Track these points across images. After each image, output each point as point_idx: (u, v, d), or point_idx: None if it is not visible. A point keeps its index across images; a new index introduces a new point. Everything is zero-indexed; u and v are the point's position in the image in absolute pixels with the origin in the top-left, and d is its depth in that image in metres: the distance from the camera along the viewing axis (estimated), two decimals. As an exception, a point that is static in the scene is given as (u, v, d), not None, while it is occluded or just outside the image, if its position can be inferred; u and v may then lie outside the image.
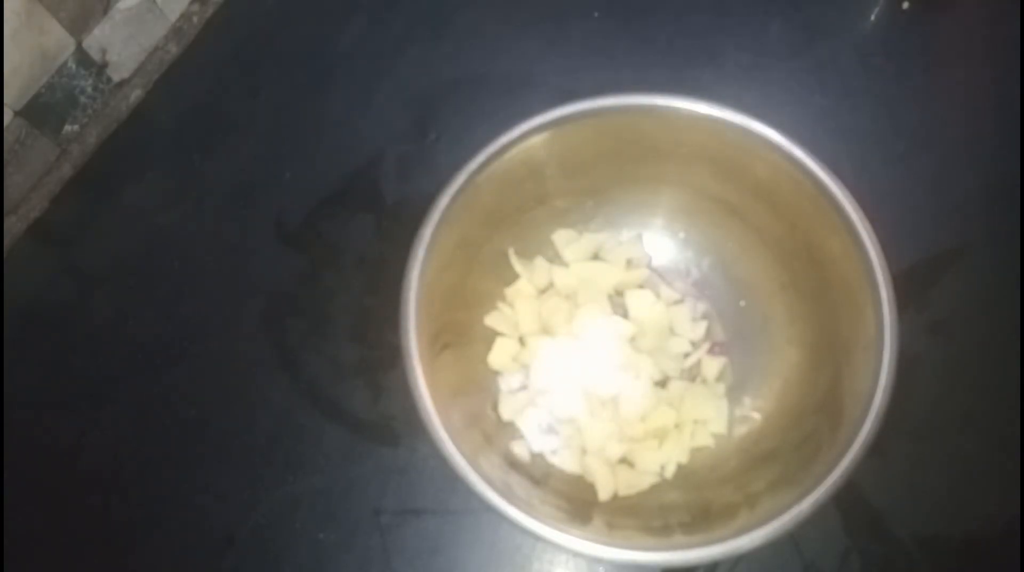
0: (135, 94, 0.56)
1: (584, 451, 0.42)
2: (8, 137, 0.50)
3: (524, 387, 0.44)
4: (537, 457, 0.43)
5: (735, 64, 0.55)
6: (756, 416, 0.43)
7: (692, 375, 0.45)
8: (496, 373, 0.45)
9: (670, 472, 0.42)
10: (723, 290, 0.46)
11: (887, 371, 0.35)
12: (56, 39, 0.50)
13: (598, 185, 0.45)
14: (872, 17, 0.56)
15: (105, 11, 0.53)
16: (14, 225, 0.53)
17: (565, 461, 0.42)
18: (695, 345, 0.45)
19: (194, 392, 0.48)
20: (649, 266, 0.47)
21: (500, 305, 0.45)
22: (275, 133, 0.54)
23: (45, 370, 0.49)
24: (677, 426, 0.43)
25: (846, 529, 0.42)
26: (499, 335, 0.45)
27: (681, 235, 0.47)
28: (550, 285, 0.46)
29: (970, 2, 0.56)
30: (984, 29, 0.55)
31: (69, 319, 0.50)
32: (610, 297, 0.46)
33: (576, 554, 0.40)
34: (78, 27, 0.51)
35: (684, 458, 0.43)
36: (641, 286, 0.46)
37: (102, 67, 0.54)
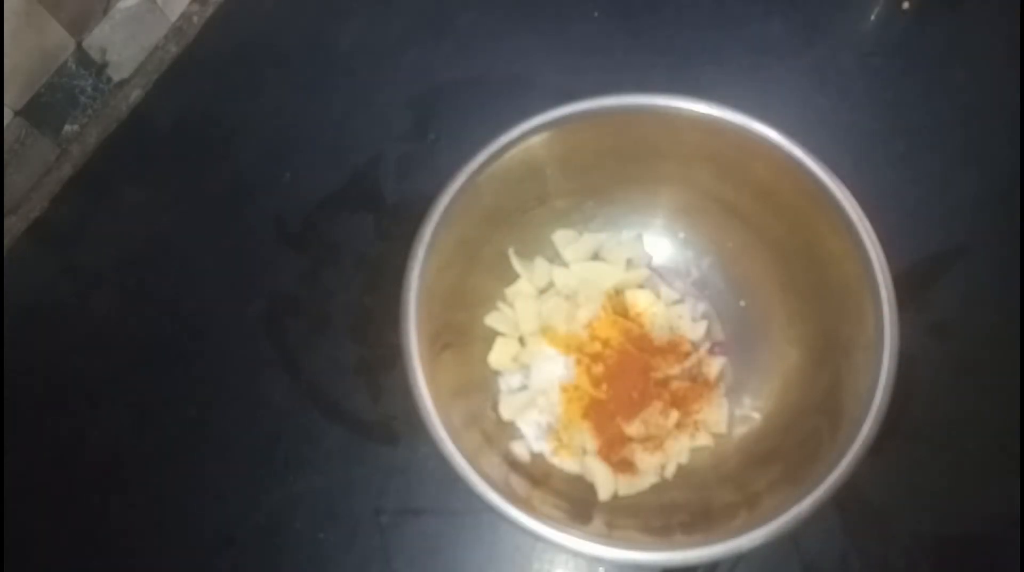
0: (135, 94, 0.56)
1: (584, 451, 0.43)
2: (8, 137, 0.50)
3: (524, 387, 0.44)
4: (537, 457, 0.43)
5: (735, 64, 0.55)
6: (756, 416, 0.43)
7: (692, 375, 0.45)
8: (496, 373, 0.45)
9: (670, 472, 0.42)
10: (723, 290, 0.46)
11: (887, 371, 0.35)
12: (56, 39, 0.50)
13: (598, 185, 0.45)
14: (872, 17, 0.56)
15: (105, 11, 0.53)
16: (14, 225, 0.53)
17: (565, 461, 0.42)
18: (695, 345, 0.45)
19: (194, 392, 0.48)
20: (649, 266, 0.47)
21: (500, 305, 0.45)
22: (275, 133, 0.54)
23: (45, 370, 0.49)
24: (677, 426, 0.43)
25: (846, 529, 0.42)
26: (499, 335, 0.45)
27: (681, 235, 0.47)
28: (550, 285, 0.46)
29: (970, 2, 0.56)
30: (984, 29, 0.55)
31: (69, 319, 0.50)
32: (610, 297, 0.46)
33: (576, 554, 0.40)
34: (78, 27, 0.51)
35: (684, 458, 0.43)
36: (641, 286, 0.46)
37: (102, 67, 0.54)
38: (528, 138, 0.40)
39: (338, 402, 0.47)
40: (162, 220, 0.52)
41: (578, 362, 0.44)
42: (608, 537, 0.35)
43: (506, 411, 0.43)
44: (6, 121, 0.49)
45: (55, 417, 0.47)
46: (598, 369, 0.44)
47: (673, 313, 0.46)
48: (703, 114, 0.39)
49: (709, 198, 0.44)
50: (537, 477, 0.41)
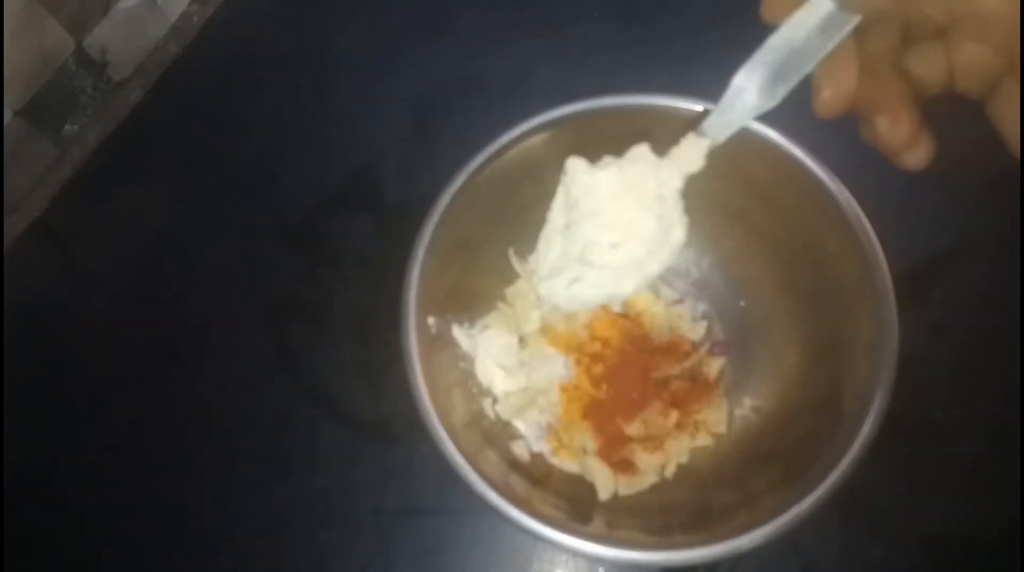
0: (135, 94, 0.56)
1: (584, 451, 0.43)
2: (8, 137, 0.50)
3: (524, 387, 0.44)
4: (537, 457, 0.43)
5: (735, 64, 0.55)
6: (756, 416, 0.43)
7: (692, 375, 0.45)
8: (497, 372, 0.45)
9: (670, 472, 0.42)
10: (723, 290, 0.46)
11: (887, 371, 0.35)
12: (56, 39, 0.50)
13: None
14: (872, 17, 0.56)
15: (105, 11, 0.53)
16: (14, 225, 0.53)
17: (565, 461, 0.42)
18: (695, 345, 0.45)
19: (194, 392, 0.48)
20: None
21: (500, 305, 0.45)
22: (275, 133, 0.54)
23: (45, 370, 0.49)
24: (677, 426, 0.43)
25: (846, 529, 0.42)
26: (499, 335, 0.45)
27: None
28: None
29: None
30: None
31: (69, 319, 0.50)
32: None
33: (576, 554, 0.40)
34: (78, 27, 0.51)
35: (684, 458, 0.43)
36: (641, 286, 0.46)
37: (102, 67, 0.54)
38: (528, 138, 0.40)
39: (338, 402, 0.47)
40: (162, 220, 0.52)
41: (578, 362, 0.44)
42: (608, 537, 0.35)
43: (506, 411, 0.43)
44: (6, 121, 0.49)
45: (55, 417, 0.47)
46: (598, 369, 0.44)
47: (673, 313, 0.46)
48: (703, 114, 0.39)
49: (709, 198, 0.44)
50: (537, 477, 0.41)
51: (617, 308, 0.45)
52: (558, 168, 0.43)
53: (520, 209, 0.44)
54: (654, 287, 0.46)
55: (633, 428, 0.42)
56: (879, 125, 0.24)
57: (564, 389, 0.44)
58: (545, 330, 0.45)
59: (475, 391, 0.43)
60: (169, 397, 0.47)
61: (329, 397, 0.47)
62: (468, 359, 0.44)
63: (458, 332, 0.43)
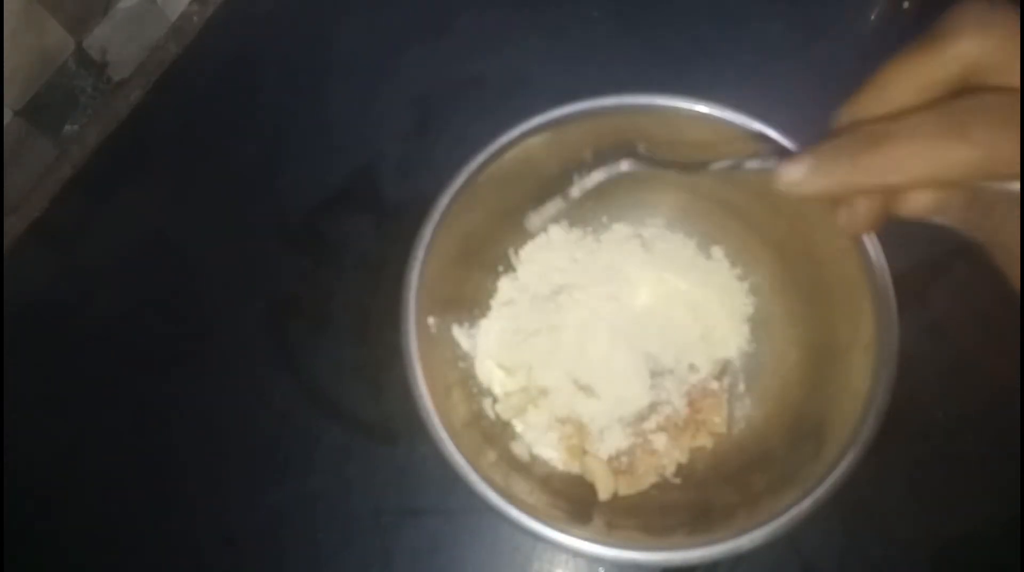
0: (135, 94, 0.56)
1: (584, 451, 0.42)
2: (8, 137, 0.50)
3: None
4: (537, 457, 0.43)
5: (735, 64, 0.55)
6: (756, 416, 0.43)
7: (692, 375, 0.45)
8: (497, 372, 0.45)
9: (670, 472, 0.42)
10: (723, 290, 0.46)
11: (887, 371, 0.35)
12: (56, 39, 0.50)
13: (599, 185, 0.45)
14: (872, 17, 0.56)
15: (105, 11, 0.53)
16: (14, 225, 0.53)
17: (565, 461, 0.42)
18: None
19: (194, 392, 0.48)
20: (649, 266, 0.47)
21: (499, 304, 0.45)
22: (275, 133, 0.54)
23: (45, 370, 0.49)
24: (677, 426, 0.43)
25: (846, 529, 0.42)
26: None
27: (681, 235, 0.47)
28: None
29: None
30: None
31: (69, 319, 0.50)
32: (610, 297, 0.46)
33: (576, 554, 0.40)
34: (78, 27, 0.51)
35: (684, 458, 0.43)
36: (641, 286, 0.46)
37: (102, 67, 0.54)
38: (528, 138, 0.40)
39: (338, 402, 0.47)
40: (162, 220, 0.52)
41: (578, 362, 0.44)
42: (608, 537, 0.35)
43: (506, 411, 0.43)
44: (6, 121, 0.49)
45: (55, 417, 0.47)
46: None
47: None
48: (703, 114, 0.39)
49: (709, 198, 0.44)
50: (537, 477, 0.41)
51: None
52: (558, 168, 0.43)
53: (520, 209, 0.44)
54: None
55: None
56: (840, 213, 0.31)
57: (564, 389, 0.44)
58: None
59: (475, 391, 0.43)
60: (169, 397, 0.47)
61: (329, 397, 0.47)
62: (468, 359, 0.44)
63: (458, 332, 0.43)
